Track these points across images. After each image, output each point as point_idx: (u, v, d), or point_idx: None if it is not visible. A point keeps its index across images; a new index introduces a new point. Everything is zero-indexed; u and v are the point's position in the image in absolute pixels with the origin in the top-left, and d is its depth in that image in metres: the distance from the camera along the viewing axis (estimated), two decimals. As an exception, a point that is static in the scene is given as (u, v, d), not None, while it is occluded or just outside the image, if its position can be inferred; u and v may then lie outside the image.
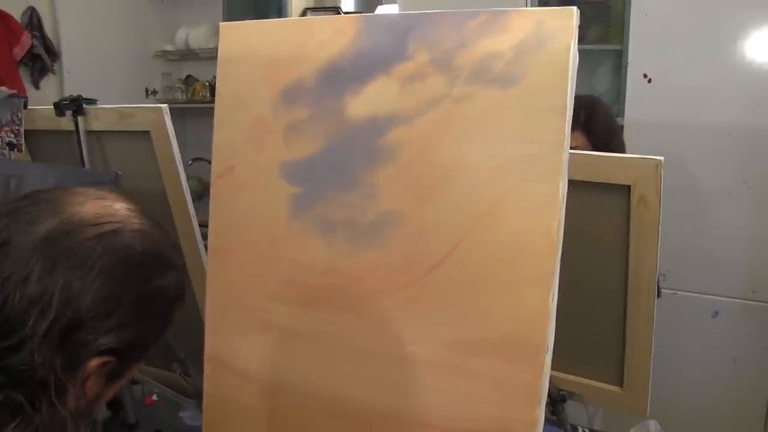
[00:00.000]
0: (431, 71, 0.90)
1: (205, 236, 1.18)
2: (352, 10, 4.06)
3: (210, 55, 4.04)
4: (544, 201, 0.83)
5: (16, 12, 3.59)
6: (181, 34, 4.24)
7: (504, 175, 0.85)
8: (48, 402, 0.70)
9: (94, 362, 0.72)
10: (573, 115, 0.84)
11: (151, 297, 0.77)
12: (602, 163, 1.22)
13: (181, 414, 1.60)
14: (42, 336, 0.68)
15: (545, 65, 0.84)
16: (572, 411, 1.40)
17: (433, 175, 0.90)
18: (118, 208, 0.78)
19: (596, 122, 1.89)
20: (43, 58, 3.69)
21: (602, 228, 1.25)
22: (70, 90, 3.05)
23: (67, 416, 0.71)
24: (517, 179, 0.85)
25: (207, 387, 1.13)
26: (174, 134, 1.50)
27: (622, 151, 1.95)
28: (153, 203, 1.57)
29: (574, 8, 0.82)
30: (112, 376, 0.77)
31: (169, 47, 4.34)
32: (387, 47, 0.93)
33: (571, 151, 0.86)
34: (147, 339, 0.79)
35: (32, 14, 3.65)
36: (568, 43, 0.82)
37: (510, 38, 0.85)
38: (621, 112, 2.51)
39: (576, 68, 0.84)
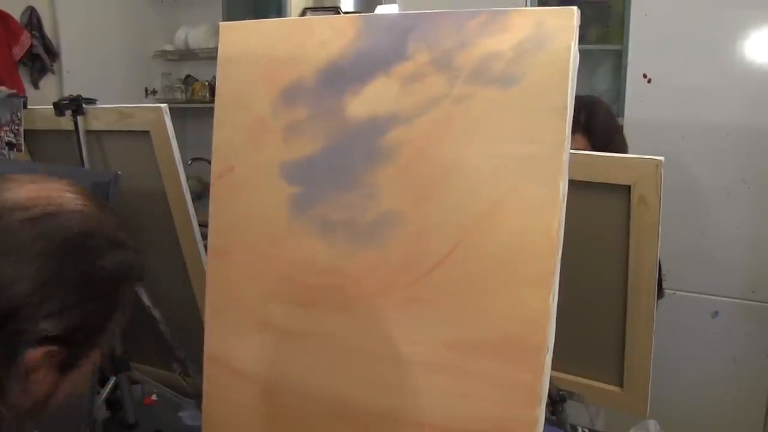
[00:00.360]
0: (431, 71, 0.90)
1: (205, 236, 1.18)
2: (352, 9, 4.05)
3: (209, 55, 4.04)
4: (544, 201, 0.83)
5: (16, 12, 3.58)
6: (180, 34, 4.23)
7: (504, 176, 0.85)
8: None
9: (37, 352, 0.68)
10: (573, 117, 0.84)
11: (93, 278, 0.72)
12: (602, 163, 1.22)
13: (180, 414, 1.60)
14: None
15: (545, 65, 0.83)
16: (573, 412, 1.40)
17: (433, 175, 0.90)
18: (56, 189, 0.74)
19: (596, 123, 1.89)
20: (42, 58, 3.68)
21: (602, 228, 1.25)
22: (70, 90, 3.05)
23: (11, 414, 0.67)
24: (517, 179, 0.85)
25: (206, 387, 1.13)
26: (174, 134, 1.50)
27: (624, 150, 1.95)
28: (153, 203, 1.57)
29: (575, 8, 0.82)
30: (64, 367, 0.72)
31: (168, 47, 4.33)
32: (387, 47, 0.93)
33: (572, 151, 0.86)
34: (93, 323, 0.73)
35: (32, 14, 3.64)
36: (568, 43, 0.82)
37: (510, 38, 0.85)
38: (621, 112, 2.51)
39: (576, 68, 0.84)
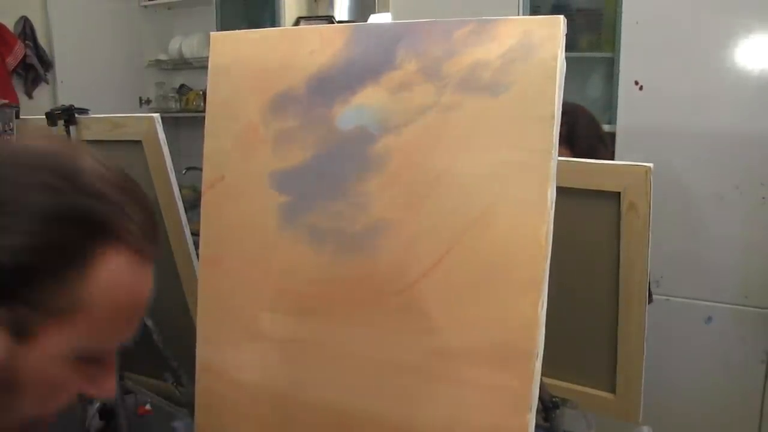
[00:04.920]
0: (420, 80, 0.91)
1: (198, 245, 1.18)
2: (346, 18, 4.07)
3: (203, 64, 4.03)
4: (532, 208, 0.84)
5: (9, 21, 3.59)
6: (174, 44, 4.24)
7: (493, 183, 0.86)
8: None
9: None
10: None
11: (32, 213, 0.60)
12: (592, 170, 1.23)
13: (174, 424, 1.59)
14: None
15: (533, 74, 0.84)
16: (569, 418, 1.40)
17: (422, 184, 0.90)
18: (72, 144, 0.68)
19: (578, 134, 1.88)
20: (36, 68, 3.69)
21: (593, 235, 1.26)
22: (64, 99, 3.05)
23: None
24: (505, 187, 0.85)
25: (199, 396, 1.13)
26: (166, 143, 1.50)
27: (609, 159, 1.96)
28: (145, 212, 1.57)
29: (561, 17, 0.83)
30: (15, 330, 0.60)
31: (162, 56, 4.34)
32: (376, 56, 0.94)
33: (560, 158, 0.86)
34: (30, 269, 0.60)
35: (25, 24, 3.65)
36: (555, 51, 0.83)
37: (498, 47, 0.86)
38: (613, 120, 2.52)
39: (563, 76, 0.84)
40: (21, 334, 0.60)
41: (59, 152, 0.65)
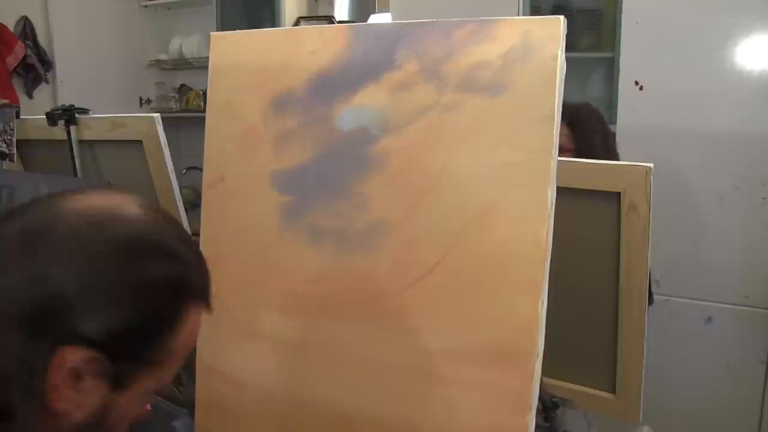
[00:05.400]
0: (420, 80, 0.91)
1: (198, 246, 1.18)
2: (346, 18, 4.06)
3: (204, 65, 4.00)
4: (532, 208, 0.84)
5: (9, 22, 3.59)
6: (174, 44, 4.24)
7: (493, 183, 0.86)
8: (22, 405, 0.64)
9: (74, 353, 0.65)
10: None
11: (138, 285, 0.69)
12: (592, 170, 1.23)
13: (174, 423, 1.59)
14: (10, 322, 0.65)
15: (533, 74, 0.84)
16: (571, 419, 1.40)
17: (422, 184, 0.90)
18: (120, 198, 0.74)
19: (581, 118, 1.90)
20: (36, 68, 3.68)
21: (593, 235, 1.25)
22: (65, 99, 3.06)
23: (51, 422, 0.66)
24: (505, 187, 0.85)
25: (199, 396, 1.13)
26: (166, 143, 1.50)
27: (613, 149, 1.96)
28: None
29: (561, 17, 0.83)
30: (114, 381, 0.68)
31: (162, 56, 4.34)
32: (376, 56, 0.94)
33: (560, 158, 0.86)
34: (136, 333, 0.69)
35: (25, 24, 3.65)
36: (555, 51, 0.83)
37: (498, 47, 0.86)
38: (613, 120, 2.52)
39: (563, 76, 0.84)
40: (118, 385, 0.69)
41: (144, 222, 0.72)
